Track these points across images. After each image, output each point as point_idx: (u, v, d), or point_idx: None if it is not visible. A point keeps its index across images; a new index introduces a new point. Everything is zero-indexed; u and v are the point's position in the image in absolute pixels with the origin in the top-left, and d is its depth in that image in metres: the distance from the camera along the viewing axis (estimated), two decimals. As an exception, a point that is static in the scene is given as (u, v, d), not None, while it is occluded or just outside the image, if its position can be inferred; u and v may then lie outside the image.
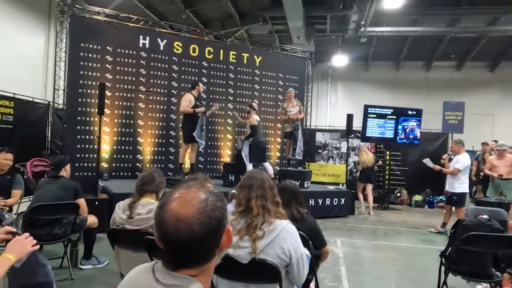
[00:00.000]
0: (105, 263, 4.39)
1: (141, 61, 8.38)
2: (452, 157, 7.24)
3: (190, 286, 0.93)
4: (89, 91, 7.74)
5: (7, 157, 4.63)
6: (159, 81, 8.61)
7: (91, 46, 7.81)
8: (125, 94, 8.24)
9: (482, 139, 10.01)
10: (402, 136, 9.99)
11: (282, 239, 2.07)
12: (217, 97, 9.33)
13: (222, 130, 9.45)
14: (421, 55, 15.28)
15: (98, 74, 7.85)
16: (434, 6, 11.35)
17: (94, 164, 7.02)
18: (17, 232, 2.11)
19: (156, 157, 8.56)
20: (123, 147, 8.21)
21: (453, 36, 12.77)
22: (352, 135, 9.87)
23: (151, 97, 8.51)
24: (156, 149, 8.59)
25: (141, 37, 8.38)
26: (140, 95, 8.40)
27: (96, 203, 5.60)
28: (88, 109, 7.75)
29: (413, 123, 10.00)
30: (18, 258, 1.88)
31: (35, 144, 7.75)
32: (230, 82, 9.53)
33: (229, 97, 9.51)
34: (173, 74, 8.75)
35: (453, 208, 7.06)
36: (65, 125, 7.74)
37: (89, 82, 7.76)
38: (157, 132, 8.61)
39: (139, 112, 8.39)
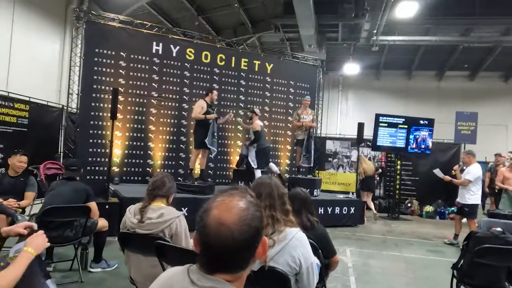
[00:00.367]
0: (114, 267, 4.41)
1: (154, 67, 8.48)
2: (464, 168, 7.15)
3: None
4: (102, 96, 7.85)
5: (21, 160, 4.71)
6: (171, 87, 8.69)
7: (105, 51, 7.93)
8: (137, 100, 8.33)
9: (495, 150, 9.87)
10: (414, 146, 9.90)
11: (292, 247, 2.05)
12: (228, 103, 9.38)
13: (232, 137, 9.48)
14: (434, 65, 15.18)
15: (112, 79, 7.97)
16: (447, 15, 11.30)
17: (105, 168, 7.09)
18: (36, 230, 2.16)
19: (166, 162, 8.61)
20: (134, 152, 8.28)
21: (466, 46, 12.67)
22: (363, 144, 9.82)
23: (163, 103, 8.59)
24: (166, 154, 8.65)
25: (154, 43, 8.49)
26: (152, 101, 8.49)
27: (107, 206, 5.65)
28: (101, 114, 7.85)
29: (425, 133, 9.90)
30: (38, 252, 1.93)
31: (48, 147, 7.86)
32: (241, 89, 9.58)
33: (240, 104, 9.54)
34: (185, 81, 8.83)
35: (464, 219, 6.96)
36: (78, 129, 7.85)
37: (103, 87, 7.88)
38: (168, 137, 8.67)
39: (151, 118, 8.47)
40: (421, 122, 9.98)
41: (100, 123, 7.86)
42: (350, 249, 6.18)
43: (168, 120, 8.68)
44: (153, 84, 8.48)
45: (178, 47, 8.74)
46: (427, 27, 11.99)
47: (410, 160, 10.80)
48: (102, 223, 4.28)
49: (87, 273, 4.22)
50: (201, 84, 8.88)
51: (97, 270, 4.32)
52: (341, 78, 16.77)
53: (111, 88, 6.95)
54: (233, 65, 9.45)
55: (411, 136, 9.87)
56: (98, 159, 7.74)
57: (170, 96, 8.69)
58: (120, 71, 8.10)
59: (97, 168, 7.65)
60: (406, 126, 9.86)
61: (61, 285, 3.81)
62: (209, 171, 8.77)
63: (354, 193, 9.19)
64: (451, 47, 13.33)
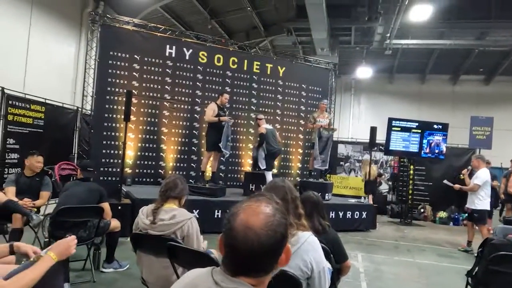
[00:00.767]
0: (126, 267, 4.45)
1: (167, 70, 8.56)
2: (474, 171, 7.04)
3: None
4: (116, 98, 7.95)
5: (39, 160, 4.81)
6: (183, 90, 8.76)
7: (119, 54, 8.05)
8: (150, 102, 8.42)
9: (511, 156, 9.68)
10: (427, 151, 9.77)
11: (304, 251, 2.04)
12: (240, 106, 9.41)
13: (243, 139, 9.50)
14: (448, 69, 14.99)
15: (125, 82, 8.07)
16: (462, 19, 11.15)
17: (118, 169, 7.17)
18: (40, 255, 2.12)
19: (178, 164, 8.67)
20: (146, 154, 8.36)
21: (482, 50, 12.48)
22: (375, 148, 9.74)
23: (175, 105, 8.67)
24: (178, 156, 8.71)
25: (167, 46, 8.57)
26: (165, 103, 8.56)
27: (119, 207, 5.71)
28: (114, 116, 7.95)
29: (439, 138, 9.77)
30: (60, 259, 1.92)
31: (63, 148, 7.98)
32: (253, 92, 9.60)
33: (252, 107, 9.57)
34: (197, 83, 8.89)
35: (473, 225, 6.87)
36: (92, 130, 7.96)
37: (117, 89, 7.98)
38: (180, 139, 8.73)
39: (164, 120, 8.54)
40: (435, 126, 9.86)
41: (114, 124, 7.96)
42: (362, 254, 6.12)
43: (181, 123, 8.74)
44: (166, 86, 8.56)
45: (191, 50, 8.81)
46: (441, 30, 11.85)
47: (423, 165, 10.67)
48: (115, 223, 4.32)
49: (100, 273, 4.26)
50: (214, 87, 8.93)
51: (109, 270, 4.36)
52: (353, 81, 16.68)
53: (125, 91, 7.05)
54: (245, 68, 9.48)
55: (425, 141, 9.75)
56: (111, 160, 7.83)
57: (183, 98, 8.76)
58: (134, 73, 8.19)
59: (110, 169, 7.74)
60: (419, 131, 9.75)
61: (74, 285, 3.86)
62: (221, 174, 8.80)
63: (366, 197, 9.11)
64: (466, 51, 13.14)
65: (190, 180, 7.82)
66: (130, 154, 8.08)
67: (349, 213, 7.97)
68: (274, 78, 9.86)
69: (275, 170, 9.20)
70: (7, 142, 6.41)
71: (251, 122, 9.34)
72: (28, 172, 4.81)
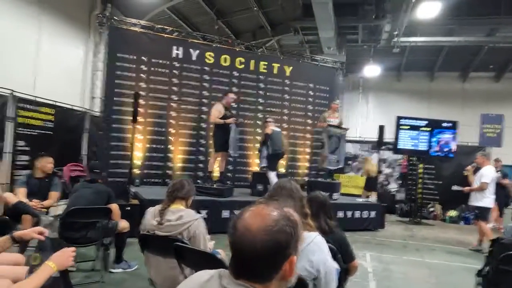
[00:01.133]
0: (134, 268, 4.48)
1: (174, 71, 8.60)
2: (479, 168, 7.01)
3: None
4: (124, 99, 8.00)
5: (50, 161, 4.88)
6: (191, 91, 8.79)
7: (127, 56, 8.10)
8: (158, 103, 8.46)
9: (523, 154, 9.56)
10: (437, 149, 9.67)
11: (310, 251, 2.03)
12: (247, 107, 9.41)
13: (251, 140, 9.50)
14: (457, 66, 14.83)
15: (133, 83, 8.12)
16: (472, 15, 11.02)
17: (126, 170, 7.22)
18: (47, 237, 2.17)
19: (186, 165, 8.71)
20: (154, 154, 8.40)
21: (492, 46, 12.32)
22: (384, 147, 9.68)
23: (182, 106, 8.70)
24: (186, 157, 8.74)
25: (174, 47, 8.61)
26: (172, 104, 8.60)
27: (128, 208, 5.73)
28: (122, 117, 8.00)
29: (448, 136, 9.66)
30: (60, 269, 1.94)
31: (72, 149, 8.05)
32: (260, 92, 9.59)
33: (259, 107, 9.56)
34: (204, 84, 8.92)
35: (489, 224, 6.80)
36: (100, 132, 8.03)
37: (124, 91, 8.03)
38: (187, 140, 8.76)
39: (171, 121, 8.58)
40: (444, 124, 9.75)
41: (122, 126, 8.01)
42: (370, 254, 6.09)
43: (188, 123, 8.77)
44: (173, 87, 8.60)
45: (197, 51, 8.84)
46: (450, 27, 11.72)
47: (432, 164, 10.57)
48: (123, 224, 4.35)
49: (109, 274, 4.29)
50: (221, 87, 8.95)
51: (118, 271, 4.39)
52: (361, 80, 16.58)
53: (133, 92, 7.10)
54: (252, 68, 9.48)
55: (434, 139, 9.65)
56: (120, 161, 7.89)
57: (190, 99, 8.79)
58: (141, 75, 8.25)
59: (118, 170, 7.79)
60: (428, 129, 9.65)
61: (84, 285, 3.90)
62: (228, 174, 8.82)
63: (369, 196, 9.06)
64: (476, 47, 12.99)
65: (198, 181, 7.83)
66: (138, 155, 8.13)
67: (357, 213, 7.92)
68: (281, 78, 9.84)
69: (282, 170, 9.21)
70: (18, 144, 6.49)
71: (258, 122, 9.33)
72: (38, 173, 4.87)
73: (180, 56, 8.66)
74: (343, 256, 2.74)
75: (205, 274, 1.10)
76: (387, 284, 4.75)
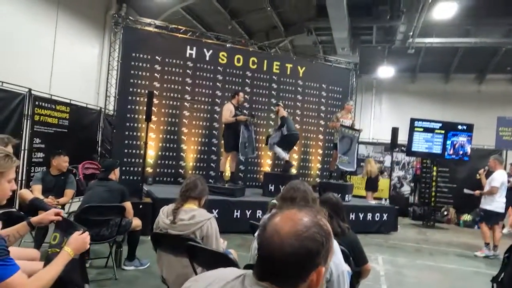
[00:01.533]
0: (147, 265, 4.53)
1: (188, 71, 8.65)
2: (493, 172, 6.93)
3: None
4: (138, 98, 8.09)
5: (65, 160, 4.97)
6: (204, 90, 8.83)
7: (141, 55, 8.18)
8: (171, 102, 8.53)
9: (541, 158, 9.34)
10: (451, 152, 9.54)
11: (323, 253, 2.02)
12: (260, 107, 9.41)
13: (263, 140, 9.48)
14: (473, 68, 14.55)
15: (147, 83, 8.20)
16: (489, 16, 10.81)
17: (139, 169, 7.29)
18: (64, 217, 2.21)
19: (198, 164, 8.75)
20: (167, 153, 8.47)
21: (509, 48, 12.07)
22: (397, 149, 9.58)
23: (195, 106, 8.75)
24: (198, 156, 8.78)
25: (188, 47, 8.66)
26: (185, 104, 8.66)
27: (141, 206, 5.80)
28: (136, 116, 8.09)
29: (463, 139, 9.52)
30: (77, 253, 1.97)
31: (86, 147, 8.17)
32: (273, 92, 9.59)
33: (272, 108, 9.55)
34: (217, 84, 8.95)
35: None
36: (114, 131, 8.13)
37: (138, 90, 8.12)
38: (200, 139, 8.81)
39: (184, 120, 8.64)
40: (459, 127, 9.61)
41: (136, 125, 8.10)
42: (382, 257, 6.03)
43: (201, 123, 8.81)
44: (187, 87, 8.65)
45: (211, 51, 8.87)
46: (466, 28, 11.52)
47: (447, 167, 10.42)
48: (136, 222, 4.40)
49: (121, 271, 4.35)
50: (233, 87, 8.95)
51: (130, 268, 4.44)
52: (374, 81, 16.40)
53: (146, 91, 7.16)
54: (265, 69, 9.48)
55: (449, 142, 9.52)
56: (133, 160, 7.97)
57: (203, 99, 8.83)
58: (155, 74, 8.32)
59: (131, 168, 7.88)
60: (443, 131, 9.53)
61: (97, 282, 3.95)
62: (240, 174, 8.83)
63: (387, 199, 8.96)
64: (493, 49, 12.73)
65: (210, 180, 7.87)
66: (151, 154, 8.20)
67: (369, 215, 7.86)
68: (294, 78, 9.82)
69: (294, 171, 9.18)
70: (34, 142, 6.61)
71: (270, 122, 9.32)
72: (54, 171, 4.95)
73: (194, 56, 8.71)
74: (356, 259, 2.72)
75: (233, 273, 1.08)
76: (399, 288, 4.70)
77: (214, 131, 8.88)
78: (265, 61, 9.51)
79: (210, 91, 8.90)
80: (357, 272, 2.79)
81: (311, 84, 9.99)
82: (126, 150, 7.99)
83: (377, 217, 7.93)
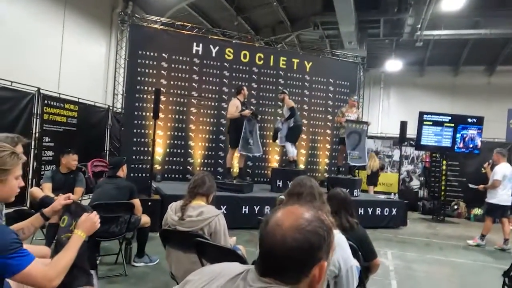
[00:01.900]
0: (156, 262, 4.56)
1: (194, 67, 8.66)
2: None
3: None
4: (145, 96, 8.12)
5: (74, 158, 5.00)
6: (210, 87, 8.83)
7: (148, 53, 8.20)
8: (178, 99, 8.54)
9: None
10: (461, 145, 9.43)
11: (331, 249, 2.02)
12: (267, 102, 9.39)
13: (270, 136, 9.46)
14: (483, 60, 14.35)
15: (154, 80, 8.22)
16: (498, 6, 10.63)
17: (148, 166, 7.33)
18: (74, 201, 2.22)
19: (206, 161, 8.77)
20: (175, 150, 8.50)
21: (520, 39, 11.89)
22: (406, 143, 9.49)
23: (202, 102, 8.76)
24: (206, 152, 8.80)
25: (194, 44, 8.66)
26: (193, 100, 8.67)
27: (149, 203, 5.83)
28: (144, 113, 8.12)
29: (473, 132, 9.40)
30: (88, 234, 1.99)
31: (95, 145, 8.24)
32: (280, 87, 9.53)
33: (279, 103, 9.49)
34: (224, 80, 8.95)
35: (507, 222, 6.68)
36: (122, 128, 8.18)
37: (145, 88, 8.15)
38: (207, 136, 8.82)
39: (191, 117, 8.66)
40: (469, 120, 9.49)
41: (143, 122, 8.14)
42: (392, 252, 6.00)
43: (208, 119, 8.83)
44: (193, 84, 8.66)
45: (217, 47, 8.86)
46: (475, 19, 11.35)
47: (457, 160, 10.31)
48: (145, 219, 4.43)
49: (131, 267, 4.38)
50: (240, 83, 8.93)
51: (140, 265, 4.48)
52: (382, 75, 16.28)
53: (154, 89, 7.19)
54: (271, 64, 9.44)
55: (458, 135, 9.41)
56: (141, 157, 8.01)
57: (210, 95, 8.84)
58: (162, 71, 8.34)
59: (140, 165, 7.92)
60: (452, 125, 9.42)
61: (107, 278, 3.99)
62: (248, 170, 8.83)
63: (397, 193, 8.90)
64: (503, 40, 12.54)
65: (218, 176, 7.88)
66: (159, 151, 8.24)
67: (378, 210, 7.81)
68: (301, 73, 9.77)
69: (302, 166, 9.16)
70: (43, 140, 6.68)
71: (278, 117, 9.29)
72: (64, 169, 4.99)
73: (200, 52, 8.71)
74: (365, 254, 2.71)
75: (236, 268, 1.08)
76: (409, 283, 4.68)
77: (221, 128, 8.88)
78: (272, 57, 9.47)
79: (217, 88, 8.90)
80: (366, 267, 2.78)
81: (318, 79, 9.93)
82: (134, 148, 8.03)
83: (386, 212, 7.88)
